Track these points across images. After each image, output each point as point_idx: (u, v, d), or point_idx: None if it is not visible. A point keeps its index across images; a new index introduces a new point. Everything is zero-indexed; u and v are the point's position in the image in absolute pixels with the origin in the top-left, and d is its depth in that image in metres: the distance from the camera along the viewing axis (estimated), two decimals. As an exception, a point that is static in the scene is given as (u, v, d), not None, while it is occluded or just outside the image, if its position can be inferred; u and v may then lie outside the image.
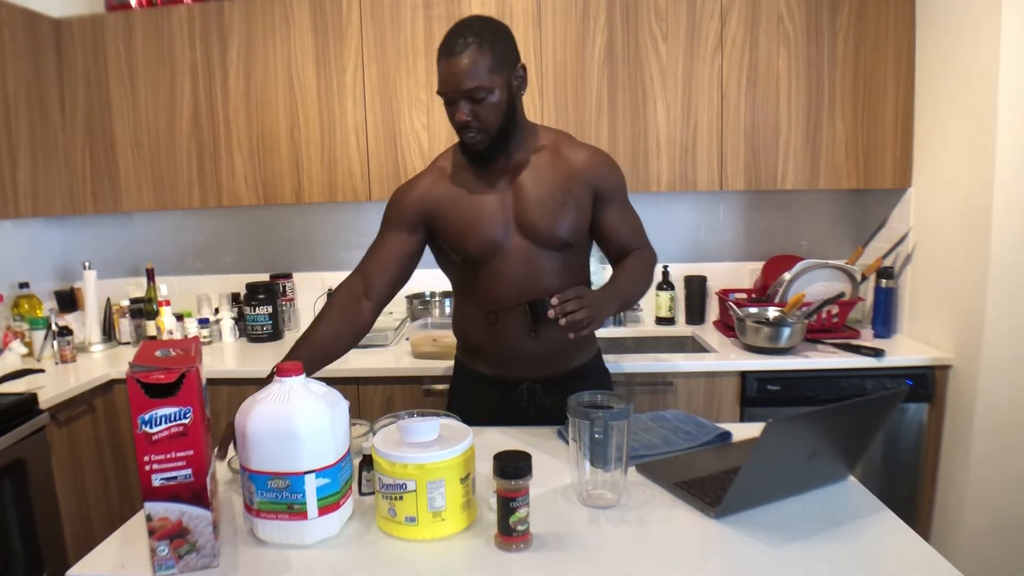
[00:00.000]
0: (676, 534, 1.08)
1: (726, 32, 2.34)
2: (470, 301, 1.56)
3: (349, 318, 1.50)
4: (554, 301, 1.29)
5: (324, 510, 1.06)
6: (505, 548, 1.04)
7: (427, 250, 1.59)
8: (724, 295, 2.56)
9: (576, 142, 1.55)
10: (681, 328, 2.69)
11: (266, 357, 2.43)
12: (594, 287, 1.56)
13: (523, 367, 1.56)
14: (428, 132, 2.45)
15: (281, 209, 2.86)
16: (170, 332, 2.61)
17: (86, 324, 2.61)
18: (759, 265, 2.72)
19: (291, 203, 2.56)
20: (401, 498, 1.06)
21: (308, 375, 1.14)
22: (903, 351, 2.23)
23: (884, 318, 2.40)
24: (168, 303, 2.62)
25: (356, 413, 2.19)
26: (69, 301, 2.74)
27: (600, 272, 2.55)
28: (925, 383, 2.17)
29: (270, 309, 2.64)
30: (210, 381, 2.05)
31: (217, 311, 2.74)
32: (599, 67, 2.38)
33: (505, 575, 0.99)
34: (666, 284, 2.69)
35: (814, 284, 2.44)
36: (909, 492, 2.23)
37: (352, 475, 1.17)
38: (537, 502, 1.12)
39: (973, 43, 2.02)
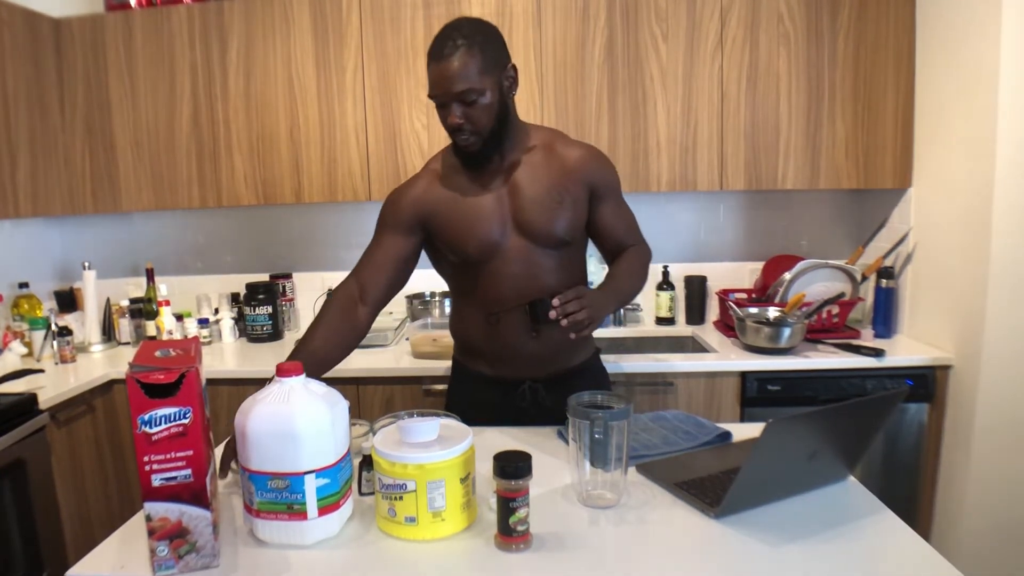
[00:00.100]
0: (676, 534, 1.08)
1: (726, 32, 2.34)
2: (469, 302, 1.56)
3: (345, 325, 1.48)
4: (555, 302, 1.30)
5: (324, 510, 1.06)
6: (505, 548, 1.04)
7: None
8: (724, 295, 2.56)
9: (569, 140, 1.55)
10: (681, 328, 2.69)
11: (266, 357, 2.43)
12: (592, 286, 1.56)
13: (524, 367, 1.56)
14: (428, 132, 2.45)
15: (281, 209, 2.86)
16: (170, 332, 2.61)
17: (86, 324, 2.61)
18: (759, 265, 2.72)
19: (291, 203, 2.56)
20: (401, 498, 1.05)
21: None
22: (903, 351, 2.23)
23: (884, 318, 2.40)
24: (168, 303, 2.62)
25: (356, 413, 2.19)
26: (69, 301, 2.74)
27: (599, 272, 2.55)
28: (925, 383, 2.17)
29: (270, 309, 2.64)
30: (210, 381, 2.06)
31: (217, 311, 2.74)
32: (599, 67, 2.38)
33: (505, 575, 0.99)
34: (666, 284, 2.69)
35: (814, 284, 2.44)
36: (909, 492, 2.23)
37: (352, 475, 1.17)
38: (537, 502, 1.12)
39: (973, 43, 2.02)
